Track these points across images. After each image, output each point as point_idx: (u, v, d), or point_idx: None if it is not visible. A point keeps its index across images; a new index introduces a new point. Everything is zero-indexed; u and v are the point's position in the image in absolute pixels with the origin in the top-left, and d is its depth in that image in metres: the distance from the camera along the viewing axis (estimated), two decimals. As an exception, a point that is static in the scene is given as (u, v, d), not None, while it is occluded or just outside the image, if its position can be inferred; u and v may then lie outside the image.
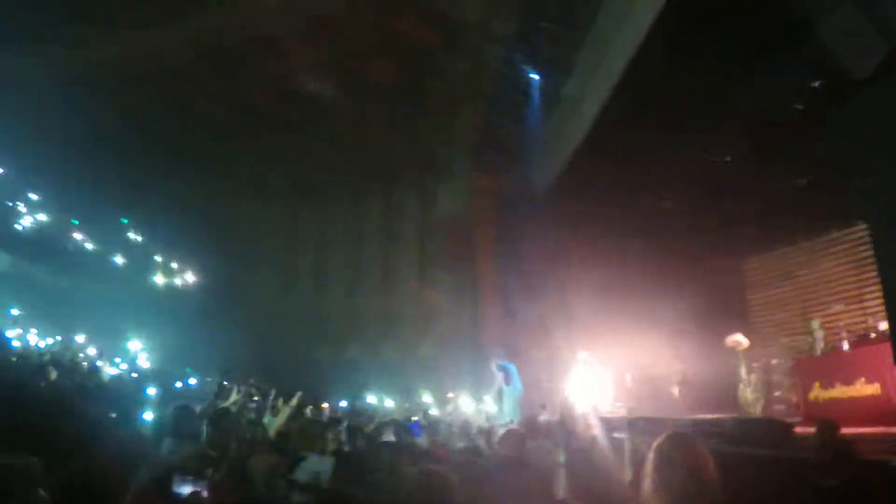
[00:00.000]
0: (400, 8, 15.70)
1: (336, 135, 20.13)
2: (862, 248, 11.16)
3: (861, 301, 11.04)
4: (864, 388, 6.73)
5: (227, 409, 5.51)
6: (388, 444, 4.17)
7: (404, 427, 5.77)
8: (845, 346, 8.46)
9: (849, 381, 7.01)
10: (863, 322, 10.47)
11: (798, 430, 6.35)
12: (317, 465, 4.05)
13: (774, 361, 10.78)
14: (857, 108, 4.62)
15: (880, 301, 10.33)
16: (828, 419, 4.49)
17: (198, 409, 5.42)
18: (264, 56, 18.08)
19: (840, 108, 4.67)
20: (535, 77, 12.56)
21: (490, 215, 16.28)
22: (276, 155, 20.51)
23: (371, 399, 12.81)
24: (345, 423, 6.11)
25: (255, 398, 8.21)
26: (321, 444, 4.49)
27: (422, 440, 5.48)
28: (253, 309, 19.01)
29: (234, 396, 7.15)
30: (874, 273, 10.80)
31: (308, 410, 7.96)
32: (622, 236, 11.91)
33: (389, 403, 12.22)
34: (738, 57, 9.31)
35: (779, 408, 10.05)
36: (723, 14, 8.88)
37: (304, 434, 4.57)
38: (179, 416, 4.83)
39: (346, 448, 5.04)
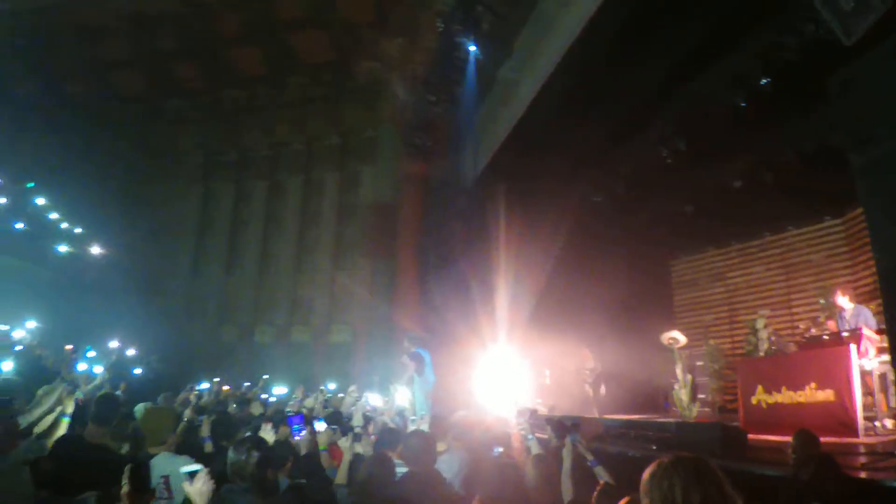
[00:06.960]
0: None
1: (256, 110, 19.08)
2: (792, 253, 11.20)
3: (789, 307, 10.98)
4: (816, 394, 6.21)
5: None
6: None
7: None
8: (791, 347, 8.09)
9: (797, 386, 6.45)
10: (792, 328, 10.32)
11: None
12: (167, 468, 3.15)
13: (700, 364, 10.40)
14: (853, 78, 4.13)
15: (808, 307, 10.37)
16: (806, 430, 3.95)
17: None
18: (186, 26, 16.88)
19: (835, 78, 4.17)
20: (472, 55, 11.91)
21: (415, 201, 15.62)
22: (191, 130, 19.36)
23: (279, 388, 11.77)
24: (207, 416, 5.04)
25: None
26: (164, 436, 3.54)
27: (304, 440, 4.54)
28: (159, 288, 17.90)
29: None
30: (802, 279, 10.88)
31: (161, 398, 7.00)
32: (549, 229, 11.48)
33: (280, 391, 11.17)
34: (685, 49, 8.99)
35: (704, 410, 9.69)
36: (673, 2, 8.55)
37: (148, 423, 3.59)
38: None
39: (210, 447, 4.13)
